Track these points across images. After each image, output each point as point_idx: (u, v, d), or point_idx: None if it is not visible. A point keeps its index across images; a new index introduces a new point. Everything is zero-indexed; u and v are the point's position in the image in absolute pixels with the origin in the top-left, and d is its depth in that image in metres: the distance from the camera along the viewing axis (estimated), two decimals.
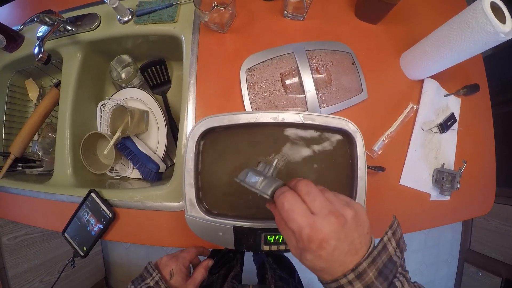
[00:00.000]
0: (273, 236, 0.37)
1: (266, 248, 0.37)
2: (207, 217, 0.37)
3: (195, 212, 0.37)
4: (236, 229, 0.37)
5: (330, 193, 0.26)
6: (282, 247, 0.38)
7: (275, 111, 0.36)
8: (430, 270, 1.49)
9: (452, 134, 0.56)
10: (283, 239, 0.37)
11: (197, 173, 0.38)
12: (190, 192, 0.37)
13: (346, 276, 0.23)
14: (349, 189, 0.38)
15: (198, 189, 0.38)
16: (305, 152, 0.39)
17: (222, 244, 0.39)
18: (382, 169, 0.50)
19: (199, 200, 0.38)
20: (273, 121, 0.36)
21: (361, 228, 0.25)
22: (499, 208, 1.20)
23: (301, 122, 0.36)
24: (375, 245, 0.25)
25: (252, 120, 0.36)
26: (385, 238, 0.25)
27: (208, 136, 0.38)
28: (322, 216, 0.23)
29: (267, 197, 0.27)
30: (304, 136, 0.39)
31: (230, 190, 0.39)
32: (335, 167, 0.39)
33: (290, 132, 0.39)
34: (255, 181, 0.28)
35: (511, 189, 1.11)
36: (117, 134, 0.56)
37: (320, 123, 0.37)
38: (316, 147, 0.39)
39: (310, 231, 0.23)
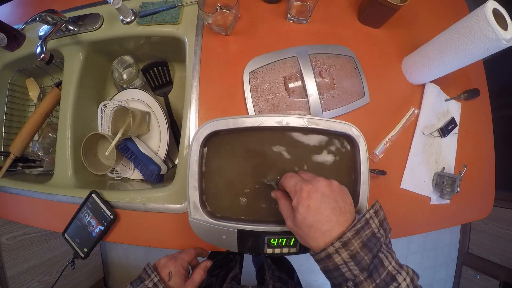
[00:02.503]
0: (277, 239, 0.37)
1: (269, 251, 0.38)
2: (210, 220, 0.37)
3: (198, 215, 0.37)
4: (240, 232, 0.37)
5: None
6: (285, 250, 0.38)
7: (279, 115, 0.36)
8: (429, 272, 1.49)
9: (452, 139, 0.57)
10: (286, 242, 0.38)
11: (201, 176, 0.38)
12: (194, 195, 0.37)
13: (333, 244, 0.26)
14: (352, 193, 0.38)
15: (202, 192, 0.38)
16: (308, 156, 0.39)
17: (225, 247, 0.39)
18: (383, 172, 0.50)
19: (203, 203, 0.38)
20: (278, 125, 0.36)
21: (345, 196, 0.30)
22: (498, 212, 1.21)
23: (305, 126, 0.36)
24: (359, 219, 0.28)
25: (256, 124, 0.36)
26: (367, 215, 0.28)
27: (212, 139, 0.38)
28: (313, 178, 0.30)
29: (273, 183, 0.35)
30: (307, 140, 0.39)
31: (233, 193, 0.39)
32: (337, 171, 0.39)
33: (293, 135, 0.39)
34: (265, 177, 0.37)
35: (510, 192, 1.12)
36: (119, 135, 0.56)
37: (324, 128, 0.37)
38: (319, 151, 0.39)
39: (302, 184, 0.29)
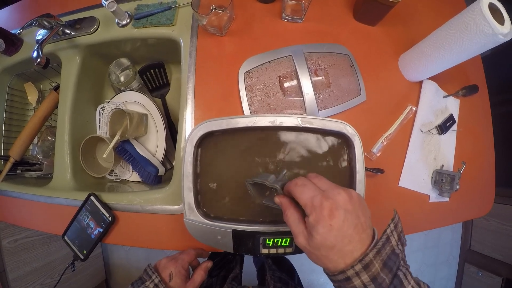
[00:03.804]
0: (272, 240, 0.37)
1: (265, 251, 0.38)
2: (205, 221, 0.37)
3: (194, 216, 0.37)
4: (235, 233, 0.37)
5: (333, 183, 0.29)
6: (280, 250, 0.38)
7: (273, 115, 0.36)
8: (431, 270, 1.49)
9: (451, 136, 0.56)
10: (282, 242, 0.37)
11: (196, 177, 0.38)
12: (188, 196, 0.37)
13: (353, 267, 0.24)
14: None
15: (196, 193, 0.38)
16: (303, 155, 0.39)
17: (221, 247, 0.39)
18: (381, 171, 0.50)
19: (198, 204, 0.38)
20: (271, 125, 0.36)
21: (364, 209, 0.27)
22: (499, 208, 1.20)
23: (299, 125, 0.36)
24: (379, 237, 0.26)
25: (250, 124, 0.36)
26: (388, 230, 0.26)
27: (206, 140, 0.38)
28: (331, 189, 0.26)
29: (277, 187, 0.30)
30: (302, 139, 0.39)
31: (229, 193, 0.39)
32: (333, 170, 0.39)
33: (288, 135, 0.39)
34: (267, 177, 0.31)
35: (511, 189, 1.11)
36: (116, 137, 0.56)
37: (318, 127, 0.37)
38: (314, 150, 0.39)
39: (322, 198, 0.25)
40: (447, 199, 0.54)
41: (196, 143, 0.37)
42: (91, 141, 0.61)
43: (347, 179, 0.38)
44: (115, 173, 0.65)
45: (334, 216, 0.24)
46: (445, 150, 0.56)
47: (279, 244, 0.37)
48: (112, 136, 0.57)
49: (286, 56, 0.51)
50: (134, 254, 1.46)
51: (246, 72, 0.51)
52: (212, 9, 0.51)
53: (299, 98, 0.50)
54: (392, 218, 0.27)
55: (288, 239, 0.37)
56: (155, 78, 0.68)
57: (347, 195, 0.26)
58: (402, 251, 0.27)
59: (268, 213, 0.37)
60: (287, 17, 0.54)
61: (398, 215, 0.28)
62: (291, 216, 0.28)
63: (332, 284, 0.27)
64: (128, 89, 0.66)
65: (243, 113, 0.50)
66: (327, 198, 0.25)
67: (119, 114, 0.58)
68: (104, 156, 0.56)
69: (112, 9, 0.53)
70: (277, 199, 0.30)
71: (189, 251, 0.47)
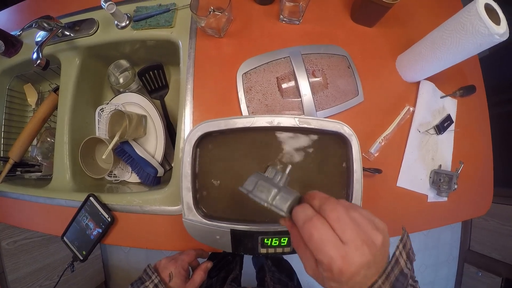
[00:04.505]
0: (270, 239, 0.37)
1: (263, 250, 0.38)
2: (204, 220, 0.37)
3: (192, 216, 0.37)
4: (233, 232, 0.37)
5: (355, 212, 0.24)
6: (279, 250, 0.38)
7: (271, 116, 0.36)
8: (430, 270, 1.49)
9: (448, 136, 0.57)
10: (280, 242, 0.38)
11: (194, 177, 0.38)
12: (187, 196, 0.37)
13: None
14: (345, 192, 0.39)
15: (195, 193, 0.38)
16: (301, 155, 0.39)
17: (220, 247, 0.39)
18: (379, 171, 0.50)
19: (197, 204, 0.38)
20: (269, 125, 0.36)
21: (386, 249, 0.24)
22: (498, 208, 1.20)
23: (296, 126, 0.36)
24: (389, 260, 0.25)
25: (248, 125, 0.36)
26: (397, 252, 0.25)
27: (205, 140, 0.38)
28: (355, 248, 0.22)
29: (283, 214, 0.24)
30: (300, 139, 0.39)
31: (227, 193, 0.39)
32: (331, 170, 0.39)
33: (286, 136, 0.39)
34: (268, 195, 0.25)
35: (510, 189, 1.11)
36: (116, 138, 0.56)
37: (316, 127, 0.37)
38: (312, 151, 0.39)
39: (342, 264, 0.21)
40: (445, 199, 0.55)
41: (194, 143, 0.37)
42: (90, 142, 0.61)
43: (344, 179, 0.39)
44: (114, 174, 0.65)
45: (353, 279, 0.22)
46: (443, 150, 0.56)
47: (277, 244, 0.37)
48: (111, 137, 0.58)
49: (284, 58, 0.51)
50: (133, 256, 1.46)
51: (244, 73, 0.51)
52: (210, 11, 0.52)
53: (297, 99, 0.50)
54: (400, 238, 0.26)
55: (287, 239, 0.37)
56: (154, 80, 0.68)
57: (371, 253, 0.22)
58: (411, 269, 0.26)
59: (267, 213, 0.38)
60: (285, 19, 0.54)
61: (407, 232, 0.27)
62: (301, 251, 0.25)
63: None
64: (127, 91, 0.66)
65: (241, 114, 0.50)
66: (348, 264, 0.21)
67: (118, 116, 0.58)
68: (103, 157, 0.57)
69: (111, 11, 0.53)
70: (283, 223, 0.27)
71: (189, 251, 0.47)
